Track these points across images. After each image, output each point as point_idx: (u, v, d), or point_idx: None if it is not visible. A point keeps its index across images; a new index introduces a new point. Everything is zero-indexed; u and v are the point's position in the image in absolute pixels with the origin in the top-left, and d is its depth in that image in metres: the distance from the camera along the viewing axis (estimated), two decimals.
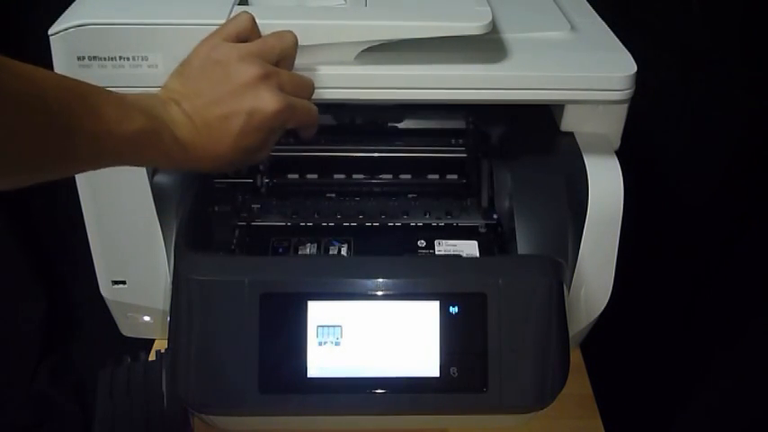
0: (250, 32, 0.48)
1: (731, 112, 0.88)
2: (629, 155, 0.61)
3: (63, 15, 0.52)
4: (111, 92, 0.41)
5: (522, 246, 0.58)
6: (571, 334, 0.55)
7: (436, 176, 0.71)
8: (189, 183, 0.61)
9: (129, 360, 0.62)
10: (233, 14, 0.50)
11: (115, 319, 0.68)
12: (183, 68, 0.47)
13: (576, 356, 0.67)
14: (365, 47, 0.51)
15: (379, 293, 0.53)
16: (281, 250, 0.64)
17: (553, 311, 0.53)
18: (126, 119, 0.40)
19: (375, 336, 0.53)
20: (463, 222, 0.66)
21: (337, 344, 0.53)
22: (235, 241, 0.64)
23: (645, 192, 0.72)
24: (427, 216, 0.67)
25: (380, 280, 0.53)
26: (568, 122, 0.62)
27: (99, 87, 0.40)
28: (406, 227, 0.66)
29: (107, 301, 0.65)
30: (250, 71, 0.45)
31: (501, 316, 0.52)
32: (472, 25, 0.50)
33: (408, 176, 0.71)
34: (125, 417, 0.57)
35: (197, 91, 0.45)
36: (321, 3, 0.56)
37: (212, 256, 0.58)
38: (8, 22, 0.81)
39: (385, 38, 0.51)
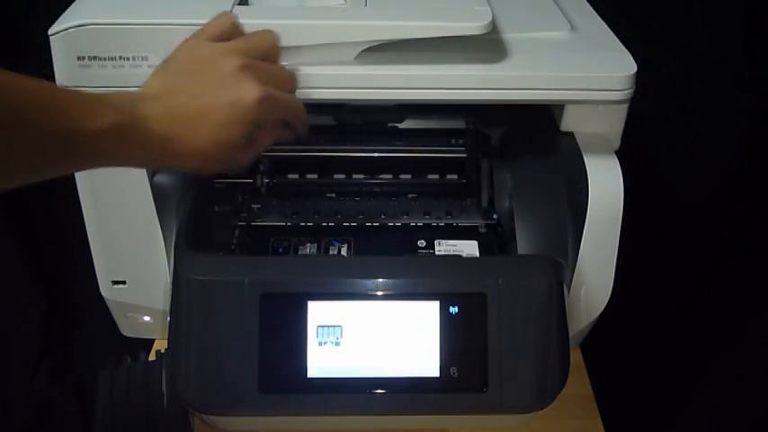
0: (232, 32, 0.48)
1: (731, 112, 0.88)
2: (629, 155, 0.61)
3: (63, 15, 0.52)
4: (81, 91, 0.41)
5: (522, 246, 0.58)
6: (571, 334, 0.55)
7: (436, 176, 0.71)
8: (189, 183, 0.61)
9: (129, 360, 0.62)
10: (233, 14, 0.50)
11: (115, 319, 0.68)
12: (165, 66, 0.47)
13: (576, 356, 0.67)
14: (365, 47, 0.51)
15: (379, 293, 0.53)
16: (281, 250, 0.64)
17: (553, 311, 0.53)
18: (97, 116, 0.40)
19: (375, 336, 0.53)
20: (463, 222, 0.66)
21: (337, 344, 0.53)
22: (235, 241, 0.64)
23: (645, 192, 0.72)
24: (427, 216, 0.67)
25: (380, 280, 0.53)
26: (568, 122, 0.62)
27: (68, 88, 0.40)
28: (406, 227, 0.66)
29: (107, 301, 0.65)
30: (231, 63, 0.45)
31: (501, 316, 0.52)
32: (472, 25, 0.50)
33: (408, 176, 0.71)
34: (125, 417, 0.57)
35: (179, 86, 0.45)
36: (321, 3, 0.56)
37: (212, 256, 0.58)
38: (8, 22, 0.81)
39: (385, 38, 0.51)
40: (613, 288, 0.60)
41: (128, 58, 0.51)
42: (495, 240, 0.65)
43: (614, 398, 0.68)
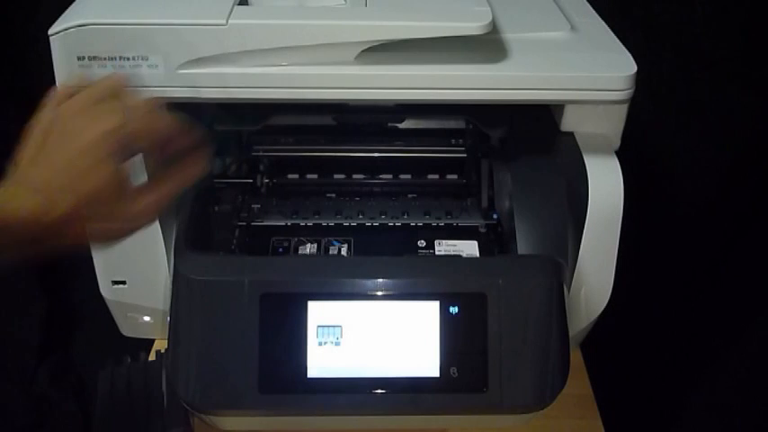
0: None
1: (731, 112, 0.88)
2: (629, 155, 0.61)
3: (63, 15, 0.52)
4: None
5: (522, 246, 0.58)
6: (571, 334, 0.55)
7: (436, 176, 0.71)
8: None
9: (129, 360, 0.62)
10: (232, 15, 0.50)
11: (115, 319, 0.68)
12: (35, 153, 0.45)
13: (576, 356, 0.67)
14: (365, 47, 0.51)
15: (380, 293, 0.53)
16: (281, 250, 0.64)
17: (553, 311, 0.53)
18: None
19: (375, 336, 0.53)
20: (463, 222, 0.66)
21: (337, 344, 0.53)
22: (235, 241, 0.64)
23: (645, 192, 0.72)
24: (427, 216, 0.67)
25: (380, 280, 0.53)
26: (568, 122, 0.62)
27: None
28: (406, 227, 0.66)
29: (107, 301, 0.65)
30: (72, 116, 0.44)
31: (501, 316, 0.52)
32: (472, 25, 0.50)
33: (408, 176, 0.71)
34: (125, 417, 0.57)
35: (45, 164, 0.44)
36: (321, 3, 0.56)
37: (212, 256, 0.58)
38: (8, 23, 0.81)
39: (385, 38, 0.51)
40: (613, 288, 0.60)
41: (128, 58, 0.51)
42: (495, 240, 0.65)
43: (614, 398, 0.68)
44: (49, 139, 0.44)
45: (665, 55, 0.86)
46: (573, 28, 0.59)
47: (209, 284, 0.53)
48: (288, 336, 0.52)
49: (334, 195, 0.70)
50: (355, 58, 0.52)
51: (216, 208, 0.64)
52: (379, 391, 0.53)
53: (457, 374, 0.52)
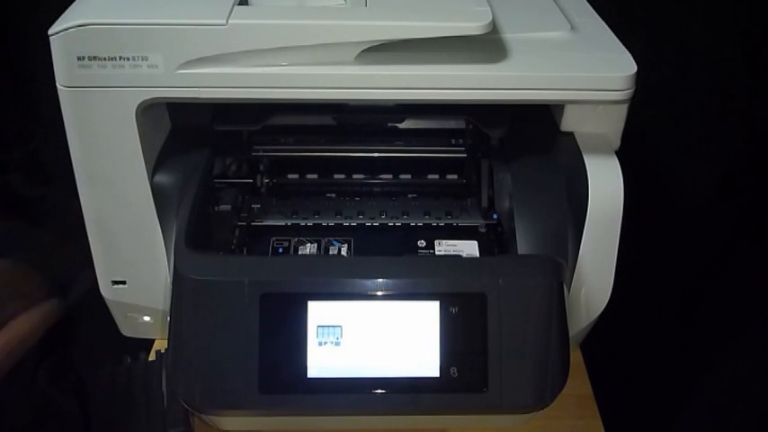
0: None
1: (731, 112, 0.88)
2: (629, 155, 0.61)
3: (63, 15, 0.52)
4: None
5: (522, 246, 0.58)
6: (571, 334, 0.55)
7: (436, 176, 0.71)
8: (189, 183, 0.61)
9: (129, 360, 0.62)
10: (232, 15, 0.51)
11: (115, 319, 0.68)
12: None
13: (576, 356, 0.67)
14: (365, 47, 0.51)
15: (380, 293, 0.53)
16: (281, 250, 0.64)
17: (553, 311, 0.53)
18: None
19: (375, 336, 0.53)
20: (463, 222, 0.66)
21: (337, 344, 0.53)
22: (235, 241, 0.64)
23: (645, 192, 0.72)
24: (427, 216, 0.67)
25: (380, 280, 0.53)
26: (568, 122, 0.62)
27: None
28: (406, 227, 0.66)
29: (107, 301, 0.65)
30: None
31: (501, 316, 0.52)
32: (472, 25, 0.50)
33: (408, 176, 0.71)
34: (125, 417, 0.57)
35: None
36: (321, 3, 0.56)
37: (212, 256, 0.58)
38: (8, 22, 0.81)
39: (385, 38, 0.51)
40: (613, 288, 0.60)
41: (128, 58, 0.51)
42: (495, 240, 0.65)
43: (614, 398, 0.68)
44: None
45: (665, 55, 0.86)
46: (573, 28, 0.59)
47: (209, 284, 0.53)
48: (288, 336, 0.52)
49: (334, 195, 0.70)
50: (355, 58, 0.52)
51: (216, 208, 0.64)
52: (379, 391, 0.53)
53: (457, 374, 0.52)
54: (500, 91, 0.53)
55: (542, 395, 0.53)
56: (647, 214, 0.80)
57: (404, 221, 0.66)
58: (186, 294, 0.53)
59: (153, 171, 0.59)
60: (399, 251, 0.63)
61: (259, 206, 0.68)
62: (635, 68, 0.54)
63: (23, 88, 0.83)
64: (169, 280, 0.58)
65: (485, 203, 0.68)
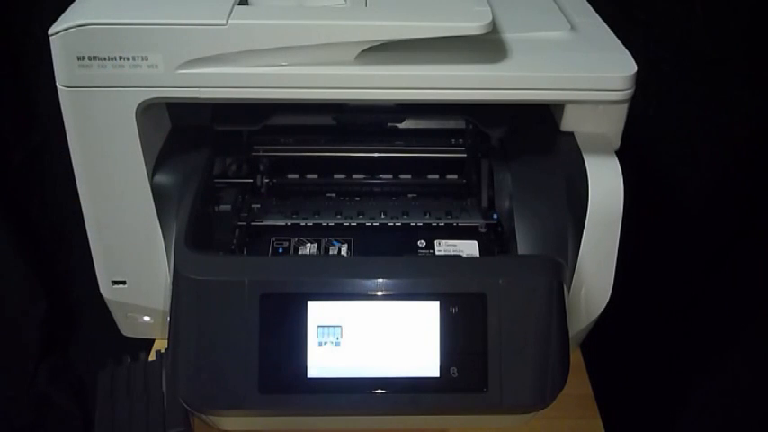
0: None
1: (731, 112, 0.88)
2: (629, 155, 0.61)
3: (63, 15, 0.52)
4: None
5: (522, 246, 0.58)
6: (571, 334, 0.55)
7: (436, 176, 0.71)
8: (189, 183, 0.61)
9: (129, 360, 0.62)
10: (232, 15, 0.50)
11: (115, 319, 0.68)
12: None
13: (576, 356, 0.67)
14: (365, 47, 0.51)
15: (380, 293, 0.53)
16: (281, 250, 0.64)
17: (553, 311, 0.53)
18: None
19: (375, 336, 0.53)
20: (463, 222, 0.66)
21: (337, 344, 0.53)
22: (235, 241, 0.64)
23: (645, 192, 0.72)
24: (427, 216, 0.67)
25: (380, 280, 0.53)
26: (568, 122, 0.62)
27: None
28: (406, 227, 0.66)
29: (107, 301, 0.65)
30: None
31: (501, 316, 0.52)
32: (472, 25, 0.50)
33: (408, 176, 0.71)
34: (125, 417, 0.57)
35: None
36: (321, 3, 0.56)
37: (212, 256, 0.58)
38: (8, 22, 0.81)
39: (385, 38, 0.51)
40: (613, 288, 0.60)
41: (128, 58, 0.51)
42: (495, 240, 0.65)
43: (614, 398, 0.68)
44: None
45: (665, 55, 0.86)
46: (573, 28, 0.59)
47: (209, 284, 0.53)
48: (288, 336, 0.52)
49: (334, 195, 0.70)
50: (355, 58, 0.52)
51: (216, 208, 0.64)
52: (379, 391, 0.53)
53: (457, 374, 0.52)
54: (500, 91, 0.53)
55: (542, 395, 0.53)
56: (647, 214, 0.80)
57: (404, 221, 0.66)
58: (186, 294, 0.53)
59: (153, 171, 0.59)
60: (399, 251, 0.63)
61: (259, 206, 0.68)
62: (635, 68, 0.54)
63: (23, 88, 0.83)
64: (169, 280, 0.58)
65: (485, 203, 0.68)
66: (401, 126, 0.70)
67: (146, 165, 0.57)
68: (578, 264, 0.58)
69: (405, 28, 0.50)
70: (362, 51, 0.52)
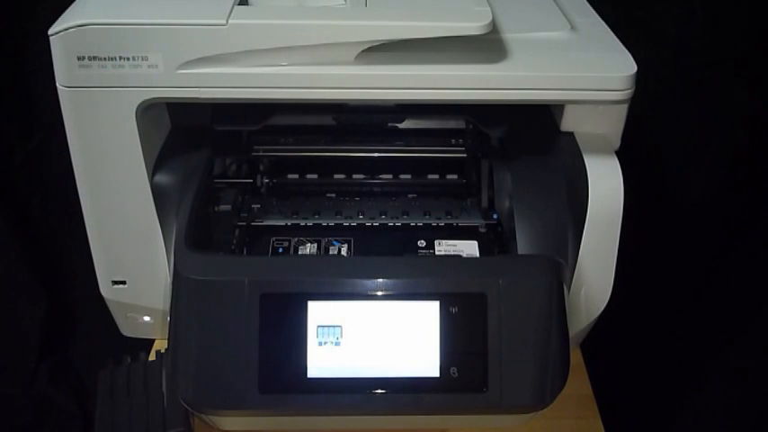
0: None
1: (731, 112, 0.88)
2: (629, 155, 0.61)
3: (63, 15, 0.52)
4: None
5: (522, 246, 0.58)
6: (571, 334, 0.55)
7: (436, 176, 0.71)
8: (189, 183, 0.61)
9: (129, 360, 0.62)
10: (232, 15, 0.50)
11: (115, 319, 0.68)
12: None
13: (576, 356, 0.67)
14: (365, 47, 0.51)
15: (380, 293, 0.53)
16: (281, 250, 0.64)
17: (553, 311, 0.53)
18: None
19: (375, 336, 0.53)
20: (463, 222, 0.66)
21: (337, 344, 0.53)
22: (235, 241, 0.64)
23: (645, 192, 0.72)
24: (427, 216, 0.67)
25: (380, 280, 0.53)
26: (568, 122, 0.62)
27: None
28: (406, 227, 0.66)
29: (107, 301, 0.65)
30: None
31: (501, 316, 0.52)
32: (472, 25, 0.50)
33: (408, 176, 0.71)
34: (125, 417, 0.57)
35: None
36: (321, 3, 0.56)
37: (212, 256, 0.58)
38: (8, 22, 0.81)
39: (385, 38, 0.51)
40: (613, 288, 0.60)
41: (128, 58, 0.51)
42: (495, 240, 0.65)
43: (614, 398, 0.68)
44: None
45: (665, 55, 0.86)
46: (573, 28, 0.59)
47: (209, 284, 0.53)
48: (288, 336, 0.52)
49: (334, 195, 0.70)
50: (355, 58, 0.52)
51: (216, 208, 0.64)
52: (379, 391, 0.53)
53: (457, 374, 0.52)
54: (500, 91, 0.53)
55: (542, 395, 0.53)
56: (648, 214, 0.80)
57: (404, 221, 0.66)
58: (186, 294, 0.53)
59: (153, 171, 0.59)
60: (399, 251, 0.63)
61: (259, 206, 0.68)
62: (635, 68, 0.54)
63: (23, 88, 0.83)
64: (169, 280, 0.58)
65: (485, 203, 0.68)
66: (401, 126, 0.70)
67: (146, 165, 0.57)
68: (578, 264, 0.58)
69: (405, 28, 0.50)
70: (362, 51, 0.52)
